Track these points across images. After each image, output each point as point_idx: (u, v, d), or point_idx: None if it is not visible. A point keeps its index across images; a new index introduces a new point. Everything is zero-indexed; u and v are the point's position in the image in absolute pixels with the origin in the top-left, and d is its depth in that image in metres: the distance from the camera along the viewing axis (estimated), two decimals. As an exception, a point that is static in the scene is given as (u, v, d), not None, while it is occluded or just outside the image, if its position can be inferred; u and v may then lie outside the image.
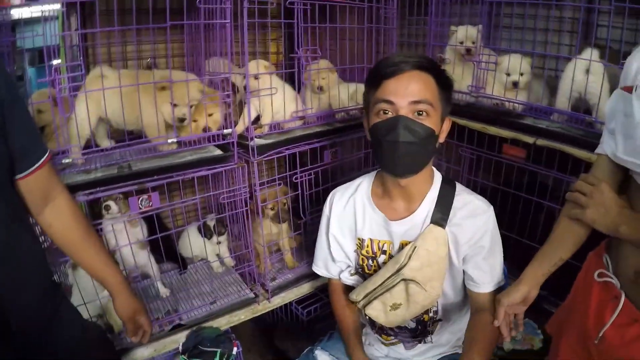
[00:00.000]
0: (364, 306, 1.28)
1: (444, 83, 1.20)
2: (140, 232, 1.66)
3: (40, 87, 1.58)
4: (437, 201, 1.26)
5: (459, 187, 1.31)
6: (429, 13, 1.88)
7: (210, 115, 1.59)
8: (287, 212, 1.81)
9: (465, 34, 1.75)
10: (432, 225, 1.24)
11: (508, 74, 1.68)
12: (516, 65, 1.65)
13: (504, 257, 1.30)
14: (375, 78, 1.18)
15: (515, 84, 1.67)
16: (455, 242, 1.24)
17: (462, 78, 1.81)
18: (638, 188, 0.95)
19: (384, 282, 1.24)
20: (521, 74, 1.66)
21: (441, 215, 1.24)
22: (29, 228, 1.06)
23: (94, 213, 1.62)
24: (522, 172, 1.68)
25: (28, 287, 0.99)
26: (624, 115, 0.94)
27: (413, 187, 1.26)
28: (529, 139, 1.58)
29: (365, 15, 1.79)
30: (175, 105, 1.50)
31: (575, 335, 1.13)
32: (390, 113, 1.15)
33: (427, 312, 1.32)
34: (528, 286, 1.14)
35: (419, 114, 1.14)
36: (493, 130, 1.67)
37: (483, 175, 1.83)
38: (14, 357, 0.94)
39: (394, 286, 1.22)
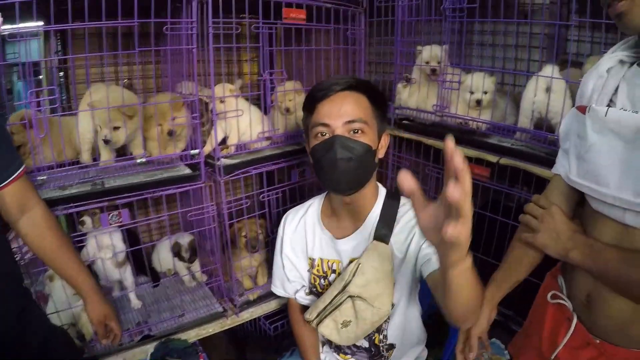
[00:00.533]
0: (317, 325, 1.31)
1: (377, 101, 1.26)
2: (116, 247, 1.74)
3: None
4: (380, 215, 1.29)
5: (404, 199, 1.33)
6: (395, 34, 1.92)
7: (174, 119, 1.64)
8: (258, 240, 1.84)
9: (430, 53, 1.78)
10: (375, 241, 1.26)
11: (472, 92, 1.69)
12: (479, 83, 1.67)
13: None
14: (310, 103, 1.25)
15: (478, 102, 1.68)
16: (403, 248, 1.26)
17: (427, 97, 1.85)
18: (592, 211, 0.95)
19: (332, 300, 1.28)
20: (485, 92, 1.67)
21: (385, 231, 1.27)
22: (2, 240, 1.14)
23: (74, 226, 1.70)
24: (487, 190, 1.69)
25: None
26: (577, 137, 0.94)
27: (358, 203, 1.30)
28: (493, 158, 1.59)
29: (332, 36, 1.84)
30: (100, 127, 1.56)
31: (531, 356, 1.15)
32: (327, 135, 1.20)
33: (378, 332, 1.34)
34: (489, 309, 1.17)
35: (354, 132, 1.19)
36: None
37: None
38: None
39: (341, 303, 1.26)
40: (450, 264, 0.71)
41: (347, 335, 1.30)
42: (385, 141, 1.31)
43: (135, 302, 1.82)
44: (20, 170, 1.14)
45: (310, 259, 1.41)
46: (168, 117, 1.64)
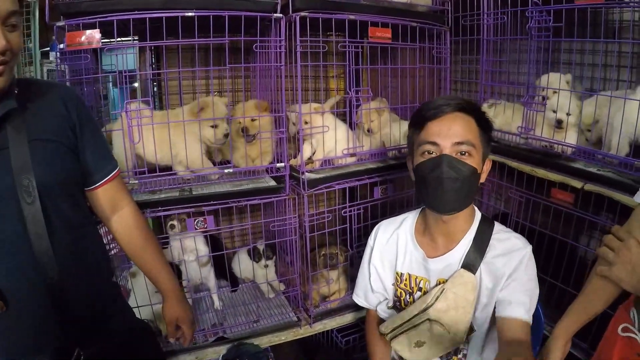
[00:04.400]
0: (391, 339, 1.44)
1: (484, 125, 1.37)
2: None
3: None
4: (473, 241, 1.39)
5: (498, 226, 1.43)
6: (480, 52, 2.04)
7: (253, 120, 1.88)
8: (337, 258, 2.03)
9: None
10: (462, 269, 1.37)
11: (554, 112, 1.74)
12: (564, 103, 1.71)
13: (547, 303, 1.41)
14: (418, 120, 1.37)
15: (559, 122, 1.73)
16: (488, 279, 1.35)
17: (512, 119, 1.94)
18: None
19: (410, 318, 1.39)
20: (568, 114, 1.71)
21: (474, 259, 1.37)
22: (95, 233, 1.35)
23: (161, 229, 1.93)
24: (570, 216, 1.73)
25: (88, 280, 1.26)
26: None
27: (454, 224, 1.41)
28: (577, 184, 1.64)
29: (417, 55, 1.98)
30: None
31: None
32: (434, 153, 1.32)
33: (456, 353, 1.45)
34: (564, 340, 1.23)
35: (461, 154, 1.30)
36: (541, 173, 1.75)
37: (532, 219, 1.86)
38: (71, 337, 1.19)
39: (419, 324, 1.38)
40: None
41: (419, 354, 1.41)
42: (487, 166, 1.41)
43: (217, 303, 2.06)
44: (115, 171, 1.33)
45: (398, 273, 1.52)
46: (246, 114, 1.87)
